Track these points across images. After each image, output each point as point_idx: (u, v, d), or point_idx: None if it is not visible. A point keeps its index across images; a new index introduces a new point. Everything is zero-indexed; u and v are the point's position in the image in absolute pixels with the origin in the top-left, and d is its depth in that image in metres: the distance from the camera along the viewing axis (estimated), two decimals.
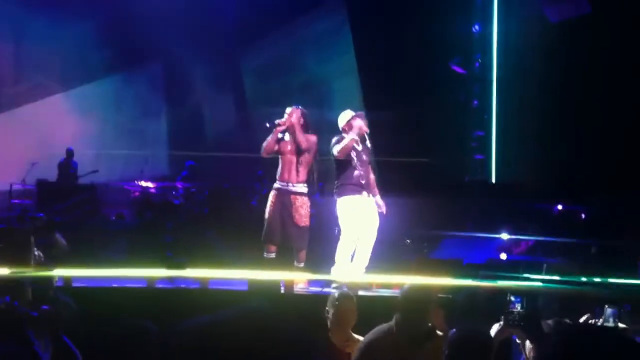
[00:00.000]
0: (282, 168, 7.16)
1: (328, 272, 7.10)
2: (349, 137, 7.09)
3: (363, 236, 7.13)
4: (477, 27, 11.28)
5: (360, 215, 7.11)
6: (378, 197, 7.30)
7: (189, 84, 11.36)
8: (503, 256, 8.37)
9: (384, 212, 7.24)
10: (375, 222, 7.19)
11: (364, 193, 7.15)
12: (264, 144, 7.17)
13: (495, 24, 11.31)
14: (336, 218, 7.23)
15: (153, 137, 11.61)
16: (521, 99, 10.90)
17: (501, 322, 4.05)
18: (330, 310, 4.89)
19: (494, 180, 11.04)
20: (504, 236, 9.18)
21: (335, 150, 7.11)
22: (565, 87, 10.49)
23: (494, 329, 4.12)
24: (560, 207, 9.82)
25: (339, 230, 7.24)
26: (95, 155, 11.15)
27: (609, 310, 4.25)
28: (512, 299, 4.05)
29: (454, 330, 3.96)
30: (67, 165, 10.75)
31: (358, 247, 7.15)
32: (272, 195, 7.15)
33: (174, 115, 11.63)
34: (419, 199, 10.04)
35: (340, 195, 7.16)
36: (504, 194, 10.52)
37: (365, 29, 11.41)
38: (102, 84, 11.36)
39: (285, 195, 7.08)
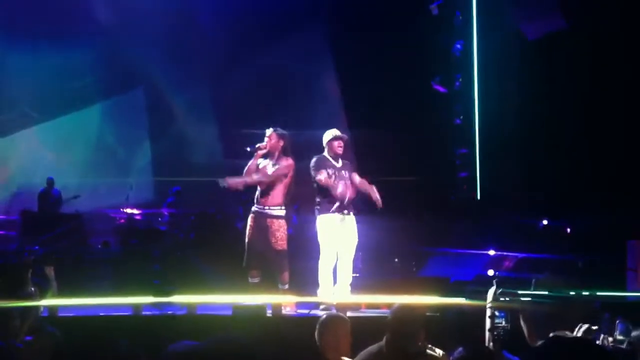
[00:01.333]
0: (260, 191, 7.18)
1: (314, 293, 7.08)
2: (322, 176, 7.14)
3: (342, 254, 7.16)
4: (458, 45, 11.36)
5: (338, 234, 7.14)
6: (373, 190, 7.27)
7: (171, 109, 11.35)
8: (490, 272, 8.37)
9: (381, 205, 7.22)
10: (354, 240, 7.23)
11: (344, 211, 7.19)
12: (245, 168, 7.19)
13: (475, 42, 11.38)
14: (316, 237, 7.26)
15: (137, 163, 11.56)
16: (503, 115, 10.95)
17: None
18: (322, 333, 4.84)
19: (479, 197, 11.07)
20: (491, 252, 9.19)
21: (316, 178, 7.14)
22: (546, 102, 10.56)
23: None
24: (545, 222, 9.85)
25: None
26: (79, 184, 11.08)
27: (620, 326, 4.17)
28: (497, 314, 4.05)
29: (460, 349, 3.94)
30: (48, 194, 10.68)
31: (338, 266, 7.17)
32: (250, 218, 7.17)
33: (158, 141, 11.60)
34: (406, 218, 10.06)
35: (319, 213, 7.21)
36: (489, 210, 10.55)
37: (346, 49, 11.46)
38: (82, 113, 11.31)
39: (261, 219, 7.10)
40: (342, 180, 7.23)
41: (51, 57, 10.93)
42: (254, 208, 7.18)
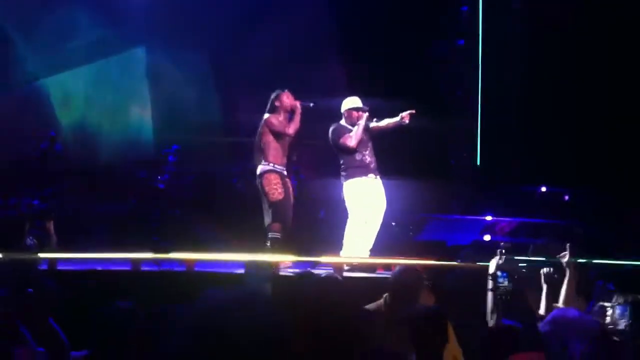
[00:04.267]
0: (282, 151, 7.20)
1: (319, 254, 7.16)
2: (359, 127, 7.16)
3: (371, 219, 7.22)
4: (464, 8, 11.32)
5: (368, 198, 7.21)
6: (393, 120, 7.33)
7: (173, 69, 11.26)
8: (487, 237, 8.42)
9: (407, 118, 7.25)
10: (383, 205, 7.30)
11: (370, 175, 7.26)
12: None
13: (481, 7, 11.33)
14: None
15: (137, 121, 11.50)
16: (505, 85, 10.95)
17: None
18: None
19: (478, 163, 11.09)
20: (488, 218, 9.23)
21: (351, 142, 7.17)
22: (548, 74, 10.55)
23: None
24: (544, 189, 9.88)
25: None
26: (80, 141, 11.02)
27: (618, 310, 4.13)
28: (499, 274, 4.08)
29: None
30: (51, 151, 10.64)
31: (364, 230, 7.23)
32: (275, 176, 7.14)
33: (158, 99, 11.53)
34: (404, 181, 10.05)
35: (347, 178, 7.26)
36: (488, 177, 10.57)
37: (351, 38, 11.32)
38: (81, 71, 11.20)
39: (286, 179, 7.20)
40: (365, 145, 7.31)
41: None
42: (277, 167, 7.17)
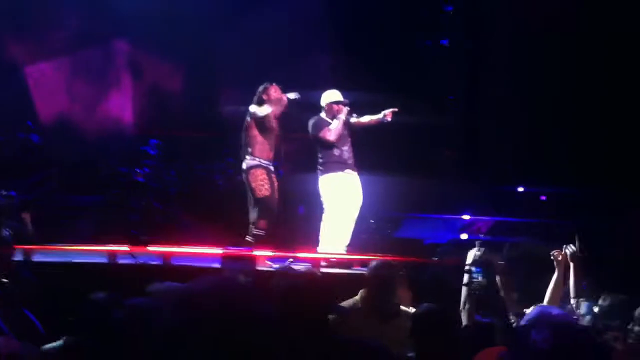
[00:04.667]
0: (268, 145, 7.17)
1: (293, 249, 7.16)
2: (339, 121, 7.16)
3: (346, 214, 7.19)
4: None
5: (344, 193, 7.17)
6: (375, 117, 7.36)
7: (153, 60, 11.19)
8: (464, 236, 8.47)
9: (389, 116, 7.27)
10: (359, 200, 7.27)
11: (347, 170, 7.23)
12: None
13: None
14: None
15: (117, 114, 11.43)
16: (489, 84, 11.02)
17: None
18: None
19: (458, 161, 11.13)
20: (465, 217, 9.28)
21: (330, 136, 7.15)
22: (534, 72, 10.62)
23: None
24: (521, 189, 9.95)
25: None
26: (59, 133, 10.93)
27: (583, 306, 4.22)
28: (474, 269, 4.13)
29: (425, 304, 4.02)
30: (28, 141, 10.55)
31: (340, 225, 7.20)
32: (261, 172, 7.10)
33: (139, 92, 11.47)
34: (384, 178, 10.07)
35: (323, 172, 7.20)
36: (469, 175, 10.63)
37: (335, 31, 11.31)
38: (62, 60, 11.10)
39: (272, 174, 7.16)
40: (344, 140, 7.29)
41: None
42: (263, 162, 7.16)
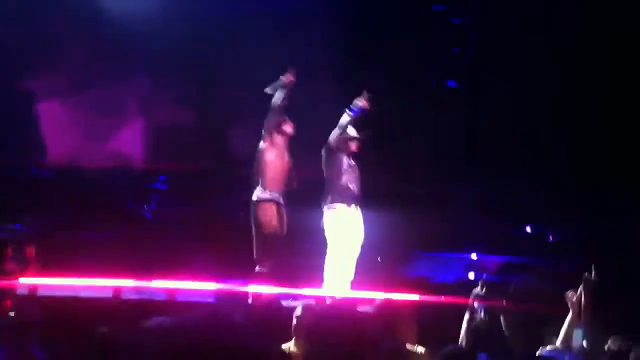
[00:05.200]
0: (279, 176, 7.15)
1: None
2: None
3: (349, 250, 7.16)
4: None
5: (348, 227, 7.15)
6: None
7: (162, 95, 11.28)
8: (471, 275, 8.41)
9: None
10: (361, 236, 7.25)
11: (352, 205, 7.22)
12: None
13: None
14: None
15: (127, 150, 11.50)
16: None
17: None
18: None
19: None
20: (473, 256, 9.23)
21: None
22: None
23: None
24: (528, 229, 9.90)
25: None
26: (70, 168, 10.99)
27: (576, 332, 4.25)
28: (476, 305, 4.12)
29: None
30: (40, 177, 10.65)
31: (343, 261, 7.16)
32: (270, 206, 7.07)
33: (148, 127, 11.55)
34: (391, 216, 10.06)
35: (329, 203, 7.19)
36: (474, 214, 10.59)
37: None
38: (73, 98, 11.21)
39: (282, 208, 7.13)
40: (352, 173, 7.30)
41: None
42: (270, 195, 7.11)
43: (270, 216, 7.00)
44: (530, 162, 10.70)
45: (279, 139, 7.18)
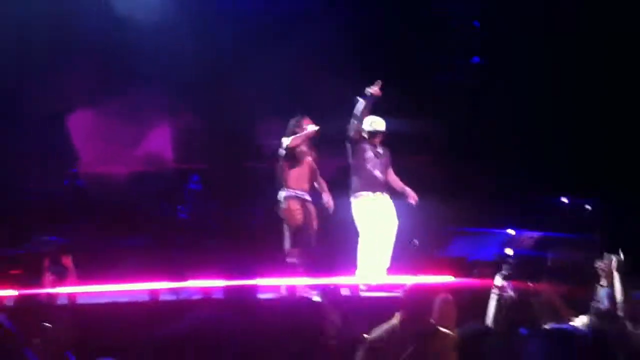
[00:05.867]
0: (302, 176, 7.27)
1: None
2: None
3: (382, 236, 7.19)
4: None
5: (377, 214, 7.18)
6: (406, 189, 7.34)
7: (188, 97, 11.37)
8: (509, 251, 8.32)
9: (415, 201, 7.29)
10: (394, 221, 7.26)
11: (377, 192, 7.24)
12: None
13: None
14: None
15: (156, 152, 11.61)
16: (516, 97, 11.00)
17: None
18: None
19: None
20: (510, 231, 9.13)
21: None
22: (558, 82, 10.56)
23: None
24: (565, 200, 9.76)
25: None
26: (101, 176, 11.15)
27: (602, 291, 4.29)
28: (505, 284, 4.14)
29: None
30: (72, 186, 10.81)
31: (377, 248, 7.19)
32: (294, 202, 7.19)
33: (177, 129, 11.65)
34: (423, 198, 10.02)
35: (355, 194, 7.25)
36: (508, 188, 10.52)
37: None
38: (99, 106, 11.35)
39: (308, 204, 7.21)
40: (377, 162, 7.31)
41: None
42: (299, 193, 7.27)
43: (294, 210, 7.11)
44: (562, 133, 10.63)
45: (300, 140, 7.21)
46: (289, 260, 7.11)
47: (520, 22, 10.97)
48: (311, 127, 7.22)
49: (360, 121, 7.26)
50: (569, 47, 10.57)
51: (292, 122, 7.37)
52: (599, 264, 4.74)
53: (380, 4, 11.36)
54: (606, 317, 4.16)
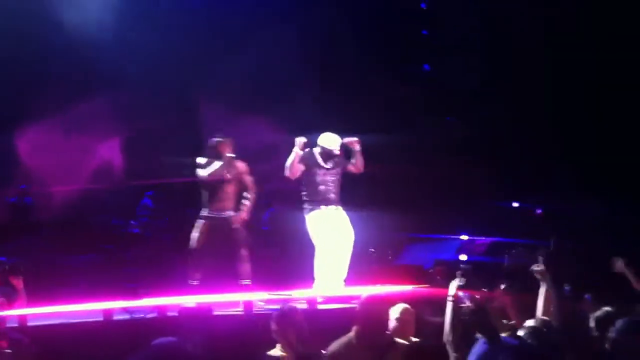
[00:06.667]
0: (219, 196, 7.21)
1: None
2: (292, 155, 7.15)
3: (337, 249, 7.16)
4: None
5: (330, 228, 7.14)
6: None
7: (138, 109, 11.26)
8: (463, 257, 8.41)
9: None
10: (350, 234, 7.22)
11: (331, 206, 7.20)
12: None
13: None
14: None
15: (109, 168, 11.46)
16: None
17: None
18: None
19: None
20: (464, 237, 9.23)
21: (286, 171, 7.20)
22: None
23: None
24: (516, 204, 9.92)
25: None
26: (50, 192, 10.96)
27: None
28: (460, 294, 4.16)
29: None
30: (20, 204, 10.61)
31: (333, 260, 7.16)
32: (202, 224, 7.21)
33: (128, 143, 11.52)
34: (381, 206, 10.07)
35: (307, 211, 7.20)
36: (460, 194, 10.64)
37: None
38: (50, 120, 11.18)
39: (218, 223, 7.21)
40: (329, 178, 7.27)
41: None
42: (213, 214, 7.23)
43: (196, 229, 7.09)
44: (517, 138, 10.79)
45: (217, 173, 7.14)
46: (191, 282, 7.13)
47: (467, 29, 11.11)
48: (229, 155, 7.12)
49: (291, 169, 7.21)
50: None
51: (211, 143, 7.25)
52: (535, 269, 4.67)
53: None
54: (538, 329, 4.17)
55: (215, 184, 7.12)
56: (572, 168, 10.03)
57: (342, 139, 7.34)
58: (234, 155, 7.12)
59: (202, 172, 7.13)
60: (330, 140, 7.31)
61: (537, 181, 10.12)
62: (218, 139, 7.19)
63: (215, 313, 6.05)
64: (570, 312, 4.39)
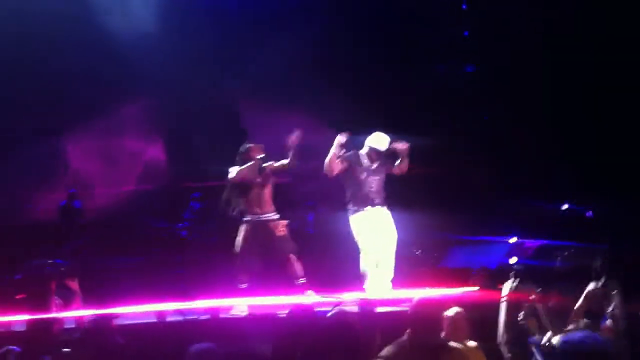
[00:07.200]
0: (253, 200, 7.28)
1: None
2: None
3: (382, 249, 7.16)
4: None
5: (375, 229, 7.15)
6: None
7: (182, 114, 11.37)
8: (513, 260, 8.32)
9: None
10: (393, 234, 7.22)
11: (376, 206, 7.21)
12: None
13: None
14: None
15: (154, 170, 11.60)
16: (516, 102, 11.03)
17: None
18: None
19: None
20: (513, 240, 9.14)
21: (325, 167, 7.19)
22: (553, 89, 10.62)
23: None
24: (566, 206, 9.77)
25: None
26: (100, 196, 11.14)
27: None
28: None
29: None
30: (69, 207, 10.78)
31: (378, 261, 7.16)
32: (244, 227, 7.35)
33: (174, 146, 11.65)
34: (426, 208, 10.02)
35: (352, 212, 7.23)
36: (509, 195, 10.54)
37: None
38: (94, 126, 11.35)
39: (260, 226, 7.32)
40: (372, 178, 7.28)
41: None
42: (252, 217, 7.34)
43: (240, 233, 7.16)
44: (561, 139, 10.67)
45: (244, 173, 7.19)
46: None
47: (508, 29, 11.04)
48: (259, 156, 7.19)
49: (329, 167, 7.21)
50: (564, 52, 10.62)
51: (241, 149, 7.34)
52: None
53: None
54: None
55: (248, 189, 7.19)
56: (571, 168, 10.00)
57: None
58: (263, 155, 7.20)
59: (231, 175, 7.21)
60: (379, 141, 7.32)
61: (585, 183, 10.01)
62: (248, 145, 7.27)
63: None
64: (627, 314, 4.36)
